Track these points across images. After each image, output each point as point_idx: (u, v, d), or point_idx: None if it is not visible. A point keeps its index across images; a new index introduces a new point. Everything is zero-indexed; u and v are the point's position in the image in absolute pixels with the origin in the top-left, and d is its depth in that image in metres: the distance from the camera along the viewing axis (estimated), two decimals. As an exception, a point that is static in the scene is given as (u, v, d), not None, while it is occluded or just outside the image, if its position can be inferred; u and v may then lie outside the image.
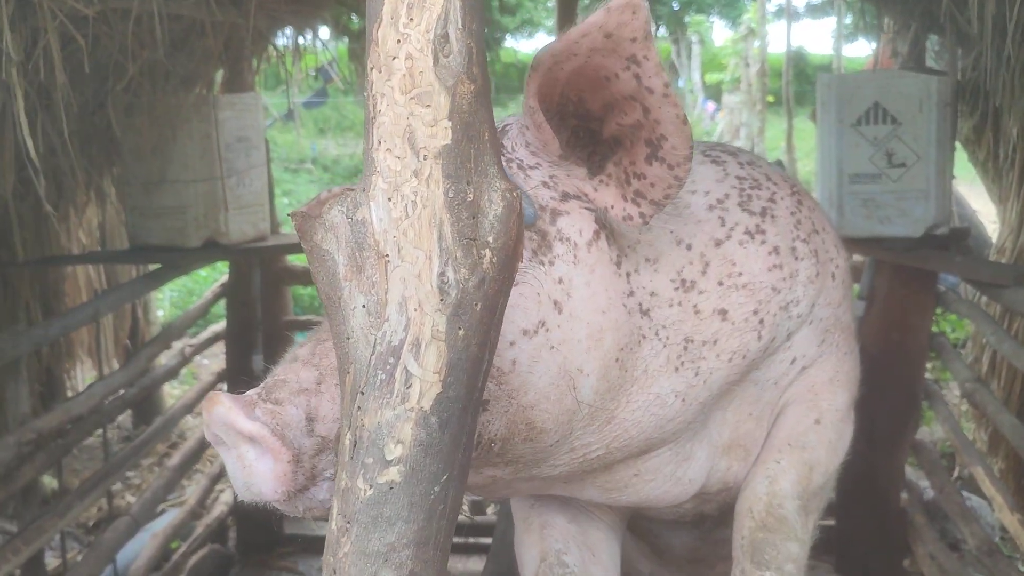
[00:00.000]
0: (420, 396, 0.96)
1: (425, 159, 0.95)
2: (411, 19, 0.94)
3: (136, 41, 2.71)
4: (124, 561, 3.94)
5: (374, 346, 0.97)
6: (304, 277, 4.40)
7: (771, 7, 13.23)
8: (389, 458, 0.96)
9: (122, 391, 3.77)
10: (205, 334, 4.54)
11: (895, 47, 3.72)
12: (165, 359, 4.47)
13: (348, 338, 0.99)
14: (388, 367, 0.97)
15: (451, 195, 0.95)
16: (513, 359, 1.19)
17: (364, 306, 0.98)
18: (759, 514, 1.45)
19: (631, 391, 1.33)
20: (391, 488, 0.97)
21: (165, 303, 8.23)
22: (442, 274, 0.96)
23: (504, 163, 1.27)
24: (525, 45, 23.02)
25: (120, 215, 4.34)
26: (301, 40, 4.04)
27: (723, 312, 1.43)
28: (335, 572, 1.01)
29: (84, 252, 4.35)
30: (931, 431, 5.08)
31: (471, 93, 0.95)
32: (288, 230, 4.24)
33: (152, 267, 4.05)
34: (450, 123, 0.94)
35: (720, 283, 1.43)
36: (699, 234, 1.44)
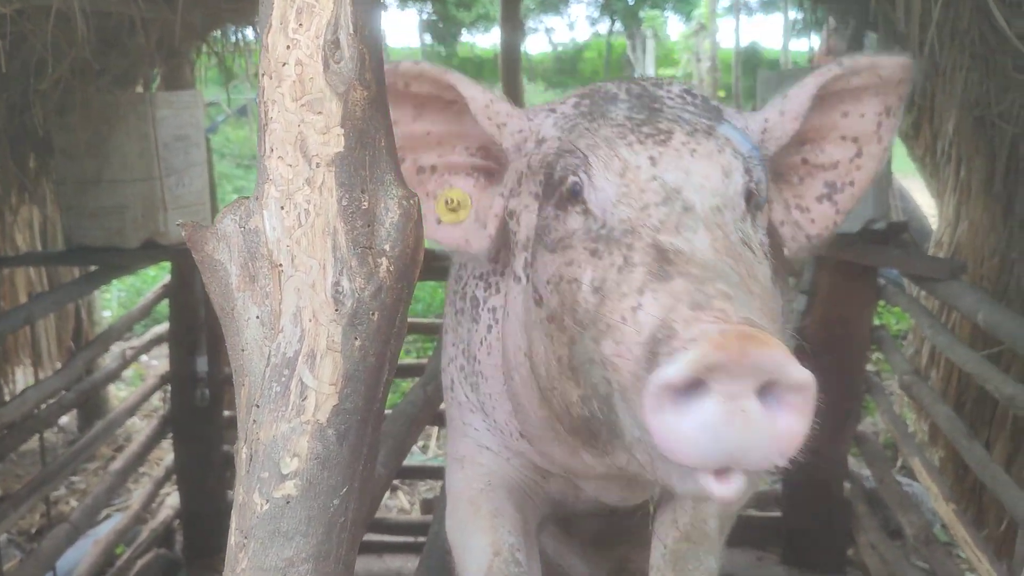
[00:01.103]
0: (316, 408, 0.94)
1: (318, 167, 0.93)
2: (300, 24, 0.92)
3: (63, 39, 2.64)
4: (67, 568, 3.87)
5: (268, 358, 0.95)
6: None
7: (723, 2, 13.32)
8: (285, 472, 0.94)
9: (65, 392, 3.69)
10: (147, 336, 4.46)
11: (830, 45, 3.76)
12: (111, 361, 4.39)
13: (242, 350, 0.97)
14: (283, 379, 0.95)
15: (345, 203, 0.93)
16: None
17: (258, 317, 0.96)
18: (684, 527, 1.46)
19: None
20: (288, 502, 0.95)
21: (113, 303, 8.08)
22: (336, 283, 0.94)
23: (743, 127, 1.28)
24: (481, 39, 22.99)
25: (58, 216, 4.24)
26: (242, 37, 3.98)
27: None
28: (234, 588, 0.99)
29: (20, 254, 4.24)
30: (875, 422, 5.17)
31: (364, 100, 0.93)
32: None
33: (92, 268, 3.96)
34: (343, 130, 0.93)
35: None
36: None
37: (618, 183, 1.17)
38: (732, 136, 1.22)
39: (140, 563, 4.09)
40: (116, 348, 4.61)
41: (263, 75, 0.94)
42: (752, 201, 1.17)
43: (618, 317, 1.02)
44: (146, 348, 4.38)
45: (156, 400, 5.00)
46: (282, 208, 0.94)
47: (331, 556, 0.98)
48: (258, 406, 0.96)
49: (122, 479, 4.12)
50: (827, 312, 3.82)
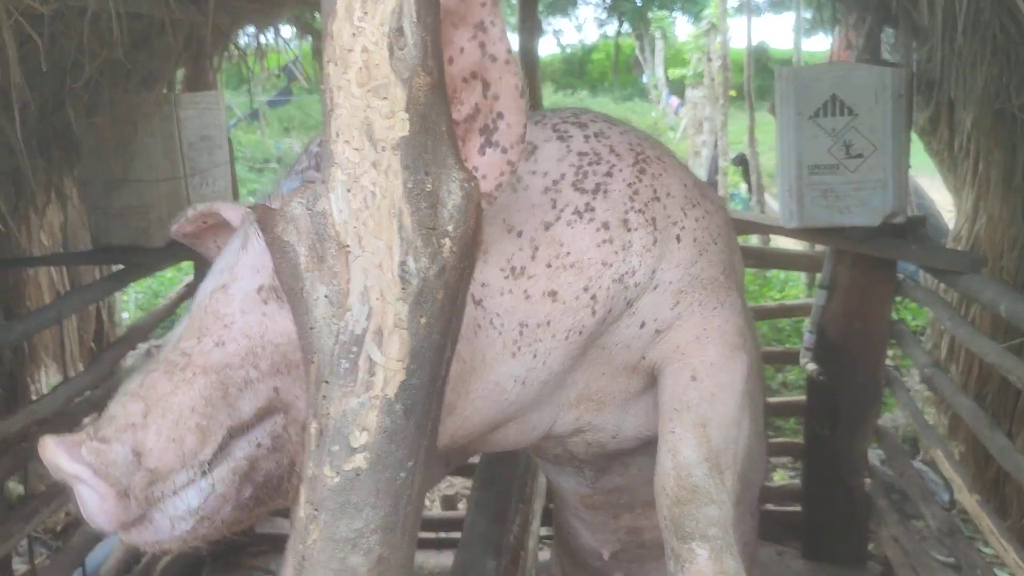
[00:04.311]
0: (384, 384, 0.98)
1: (383, 151, 0.96)
2: (365, 12, 0.95)
3: (95, 39, 2.68)
4: (94, 565, 3.91)
5: (337, 336, 0.98)
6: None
7: (732, 2, 13.34)
8: (355, 445, 0.98)
9: (88, 392, 3.73)
10: (171, 335, 4.50)
11: (849, 40, 3.78)
12: (132, 360, 4.42)
13: (311, 328, 1.00)
14: (351, 356, 0.98)
15: (410, 186, 0.97)
16: None
17: (326, 296, 0.99)
18: (672, 490, 1.44)
19: (469, 381, 1.36)
20: (357, 475, 0.98)
21: (130, 305, 8.14)
22: (403, 263, 0.97)
23: None
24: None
25: (82, 216, 4.29)
26: (263, 39, 4.02)
27: (553, 293, 1.45)
28: (304, 559, 1.02)
29: (45, 254, 4.29)
30: (893, 417, 5.18)
31: (427, 85, 0.97)
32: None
33: (116, 268, 4.01)
34: (407, 115, 0.96)
35: (549, 265, 1.45)
36: (531, 220, 1.45)
37: None
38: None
39: (165, 559, 4.13)
40: (140, 347, 4.65)
41: (328, 62, 0.98)
42: None
43: None
44: (170, 347, 4.41)
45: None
46: (349, 191, 0.98)
47: (397, 528, 1.02)
48: (327, 382, 0.99)
49: (147, 477, 4.15)
50: (846, 306, 3.84)
